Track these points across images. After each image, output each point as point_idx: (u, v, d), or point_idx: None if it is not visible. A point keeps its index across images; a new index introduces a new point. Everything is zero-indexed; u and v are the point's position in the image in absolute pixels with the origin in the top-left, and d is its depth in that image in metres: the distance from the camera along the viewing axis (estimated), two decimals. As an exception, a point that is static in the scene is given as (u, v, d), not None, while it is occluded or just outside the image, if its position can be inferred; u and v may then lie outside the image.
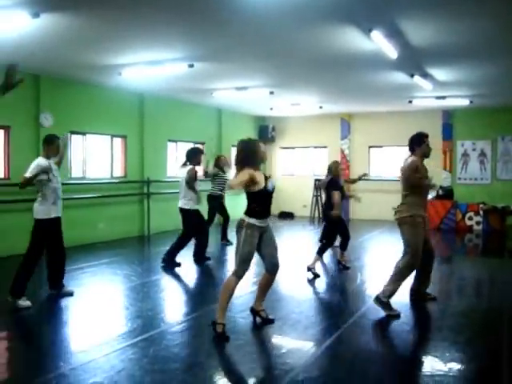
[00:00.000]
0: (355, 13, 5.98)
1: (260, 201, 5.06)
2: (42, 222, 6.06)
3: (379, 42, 6.86)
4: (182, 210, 8.39)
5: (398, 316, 5.63)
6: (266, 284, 5.36)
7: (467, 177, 14.78)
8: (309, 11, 5.90)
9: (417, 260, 5.79)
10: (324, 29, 6.65)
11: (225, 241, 10.69)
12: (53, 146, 6.21)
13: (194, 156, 8.39)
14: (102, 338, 4.96)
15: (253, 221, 5.00)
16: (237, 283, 5.00)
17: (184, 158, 8.50)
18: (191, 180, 8.21)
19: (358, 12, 5.95)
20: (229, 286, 4.98)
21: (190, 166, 8.31)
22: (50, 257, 6.34)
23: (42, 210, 6.07)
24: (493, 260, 10.22)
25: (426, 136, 5.96)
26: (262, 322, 5.39)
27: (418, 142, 5.93)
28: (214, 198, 10.28)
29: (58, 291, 6.43)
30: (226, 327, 4.93)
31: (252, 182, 4.92)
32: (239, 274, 4.98)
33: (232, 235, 10.00)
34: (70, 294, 6.46)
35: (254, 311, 5.46)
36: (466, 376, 4.13)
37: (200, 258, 8.78)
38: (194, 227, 8.45)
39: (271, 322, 5.39)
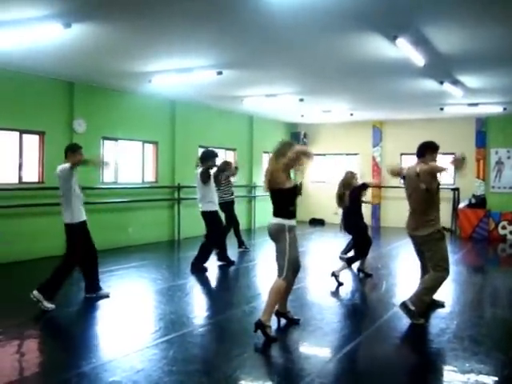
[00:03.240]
0: (379, 20, 6.00)
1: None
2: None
3: (405, 50, 6.84)
4: (203, 214, 8.52)
5: (422, 325, 5.60)
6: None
7: (501, 185, 14.50)
8: (334, 19, 5.96)
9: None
10: (349, 36, 6.69)
11: (243, 247, 10.74)
12: (73, 153, 6.27)
13: (206, 158, 8.45)
14: (124, 339, 5.11)
15: (293, 222, 5.12)
16: (286, 288, 5.16)
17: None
18: (203, 178, 8.35)
19: (382, 19, 5.97)
20: (278, 290, 5.10)
21: (201, 168, 8.41)
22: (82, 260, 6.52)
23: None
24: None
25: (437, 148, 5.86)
26: (288, 323, 5.52)
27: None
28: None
29: (93, 294, 6.62)
30: (248, 331, 5.14)
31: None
32: (289, 278, 5.12)
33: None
34: (106, 296, 6.65)
35: (279, 314, 5.54)
36: (484, 386, 4.09)
37: (223, 259, 9.03)
38: (217, 228, 8.53)
39: (297, 322, 5.54)
